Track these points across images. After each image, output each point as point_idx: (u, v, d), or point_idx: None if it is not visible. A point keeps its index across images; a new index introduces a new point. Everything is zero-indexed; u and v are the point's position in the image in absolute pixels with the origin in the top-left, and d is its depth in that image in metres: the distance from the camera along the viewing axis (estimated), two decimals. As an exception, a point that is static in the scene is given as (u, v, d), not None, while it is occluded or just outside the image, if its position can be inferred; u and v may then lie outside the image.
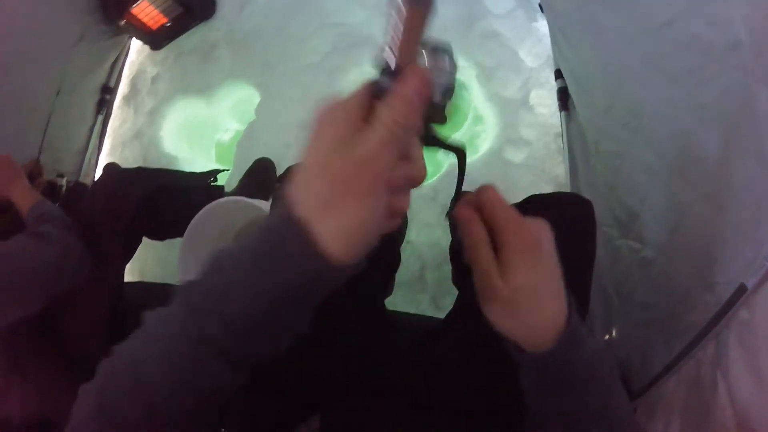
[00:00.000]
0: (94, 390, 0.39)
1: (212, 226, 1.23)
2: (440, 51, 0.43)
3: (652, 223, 1.03)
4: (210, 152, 1.99)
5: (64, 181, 1.50)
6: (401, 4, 0.37)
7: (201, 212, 1.18)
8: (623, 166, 1.17)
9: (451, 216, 0.48)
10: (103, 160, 1.99)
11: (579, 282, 0.68)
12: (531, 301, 0.43)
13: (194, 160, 1.92)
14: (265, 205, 1.17)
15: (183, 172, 1.61)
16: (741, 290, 0.68)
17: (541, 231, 0.45)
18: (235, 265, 0.36)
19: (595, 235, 0.75)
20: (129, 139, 1.96)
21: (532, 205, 0.82)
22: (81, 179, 1.90)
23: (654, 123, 1.02)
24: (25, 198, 1.11)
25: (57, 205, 1.44)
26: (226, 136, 2.02)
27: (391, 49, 0.40)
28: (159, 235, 1.36)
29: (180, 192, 1.33)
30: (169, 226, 1.32)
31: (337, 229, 0.33)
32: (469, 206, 0.46)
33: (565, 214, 0.76)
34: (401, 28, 0.38)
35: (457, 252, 1.25)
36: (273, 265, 0.35)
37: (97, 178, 1.92)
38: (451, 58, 0.44)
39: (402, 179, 0.37)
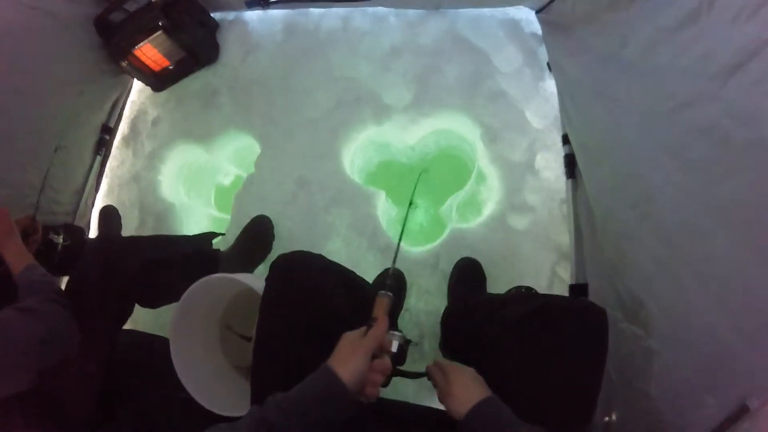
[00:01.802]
0: None
1: (203, 298, 1.21)
2: (395, 332, 0.84)
3: (657, 313, 0.99)
4: (209, 198, 1.97)
5: (60, 239, 1.47)
6: (379, 294, 0.89)
7: (193, 286, 1.16)
8: (630, 249, 1.12)
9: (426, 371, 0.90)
10: (99, 201, 1.97)
11: (588, 386, 0.81)
12: (462, 395, 0.78)
13: (192, 207, 1.89)
14: (248, 279, 1.16)
15: (178, 238, 1.60)
16: (743, 410, 0.67)
17: (464, 371, 0.84)
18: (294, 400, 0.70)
19: (607, 345, 0.82)
20: (126, 181, 1.93)
21: (546, 313, 0.86)
22: (77, 220, 1.87)
23: (664, 210, 0.98)
24: (17, 258, 1.10)
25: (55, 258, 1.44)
26: (226, 180, 2.00)
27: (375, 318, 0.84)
28: (152, 304, 1.33)
29: (175, 262, 1.32)
30: (163, 296, 1.31)
31: (349, 373, 0.71)
32: (435, 365, 0.88)
33: (579, 324, 0.83)
34: (380, 300, 0.88)
35: (448, 321, 1.24)
36: (318, 386, 0.71)
37: (93, 222, 1.90)
38: (401, 340, 0.84)
39: (378, 364, 0.76)
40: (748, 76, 0.71)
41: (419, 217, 1.80)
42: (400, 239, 1.00)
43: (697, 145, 0.84)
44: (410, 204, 1.07)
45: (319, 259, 1.00)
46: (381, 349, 0.80)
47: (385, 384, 0.79)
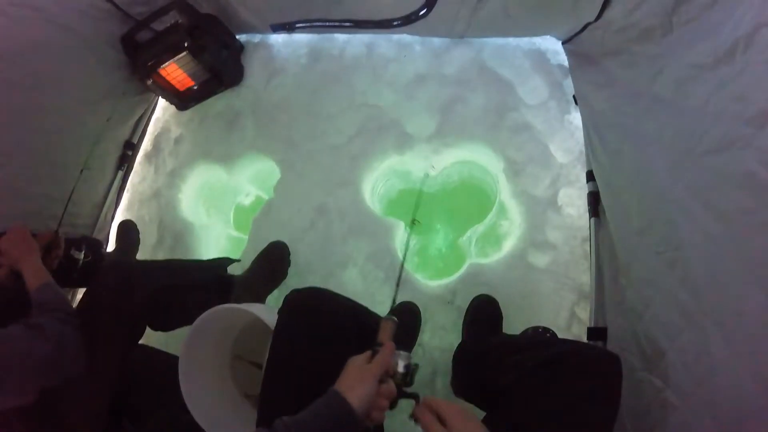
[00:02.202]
0: None
1: (214, 325, 1.22)
2: (402, 352, 0.84)
3: (679, 366, 0.95)
4: (228, 218, 1.97)
5: (81, 255, 1.48)
6: (384, 319, 0.90)
7: (204, 314, 1.16)
8: (654, 297, 1.09)
9: (414, 415, 0.78)
10: (119, 216, 1.99)
11: None
12: None
13: (211, 227, 1.90)
14: (260, 310, 1.16)
15: (193, 264, 1.61)
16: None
17: (465, 416, 0.74)
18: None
19: (620, 393, 0.82)
20: (147, 197, 1.95)
21: (561, 364, 0.85)
22: (95, 233, 1.89)
23: (693, 260, 0.94)
24: (34, 276, 1.12)
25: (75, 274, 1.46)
26: (246, 201, 2.01)
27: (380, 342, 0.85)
28: (164, 328, 1.34)
29: (188, 289, 1.33)
30: (175, 321, 1.32)
31: (356, 398, 0.72)
32: (425, 408, 0.76)
33: (593, 377, 0.83)
34: (385, 325, 0.89)
35: (460, 360, 1.22)
36: (327, 410, 0.72)
37: (111, 235, 1.92)
38: (406, 360, 0.84)
39: (385, 388, 0.77)
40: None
41: (438, 241, 1.78)
42: (403, 261, 1.05)
43: (730, 193, 0.81)
44: (413, 222, 1.11)
45: (333, 297, 1.01)
46: (386, 374, 0.80)
47: (392, 407, 0.80)
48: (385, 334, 0.87)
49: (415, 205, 1.14)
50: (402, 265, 1.03)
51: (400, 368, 0.82)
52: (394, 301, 0.98)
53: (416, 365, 0.86)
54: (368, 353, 0.81)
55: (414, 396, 0.83)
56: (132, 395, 1.18)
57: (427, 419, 0.73)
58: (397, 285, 1.00)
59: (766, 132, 0.73)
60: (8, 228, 1.21)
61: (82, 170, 1.59)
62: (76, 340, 1.03)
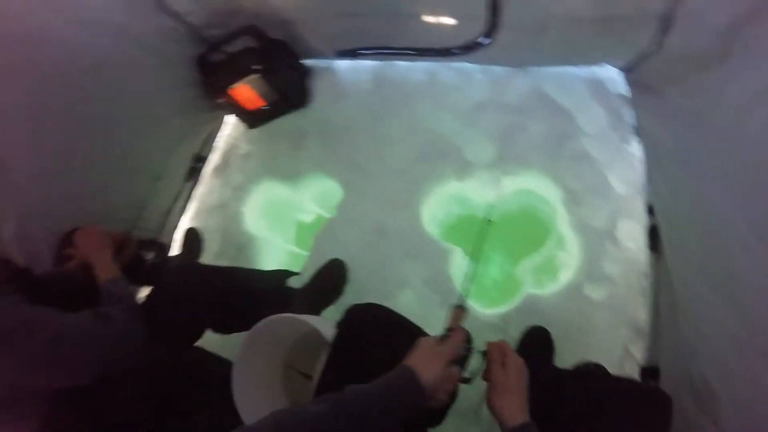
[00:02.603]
0: None
1: (270, 333, 1.26)
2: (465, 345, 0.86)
3: (730, 409, 0.94)
4: (289, 234, 2.06)
5: (150, 256, 1.58)
6: (454, 306, 0.93)
7: (261, 322, 1.20)
8: (711, 334, 1.07)
9: (487, 348, 0.89)
10: (186, 223, 2.10)
11: None
12: (508, 392, 0.81)
13: (272, 241, 1.99)
14: (316, 322, 1.19)
15: (256, 272, 1.67)
16: None
17: (522, 369, 0.85)
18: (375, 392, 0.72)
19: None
20: (213, 208, 2.06)
21: (611, 400, 0.90)
22: (162, 238, 2.01)
23: (753, 297, 0.92)
24: (104, 270, 1.17)
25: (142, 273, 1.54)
26: (307, 218, 2.09)
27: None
28: (226, 331, 1.39)
29: (250, 295, 1.37)
30: (237, 324, 1.37)
31: (427, 375, 0.74)
32: (497, 347, 0.87)
33: (642, 411, 0.85)
34: (455, 313, 0.91)
35: None
36: (397, 383, 0.74)
37: (174, 242, 2.03)
38: (469, 344, 0.87)
39: (451, 372, 0.78)
40: None
41: (493, 271, 1.80)
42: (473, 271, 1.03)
43: None
44: (474, 253, 1.09)
45: (390, 313, 1.04)
46: (453, 359, 0.82)
47: (453, 398, 0.85)
48: (455, 320, 0.90)
49: (477, 238, 1.11)
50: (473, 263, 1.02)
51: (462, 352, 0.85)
52: (465, 292, 0.96)
53: (479, 353, 0.89)
54: (438, 336, 0.84)
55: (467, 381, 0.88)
56: (181, 395, 1.21)
57: (495, 357, 0.85)
58: (470, 280, 0.99)
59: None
60: (83, 225, 1.28)
61: (157, 179, 1.68)
62: (139, 332, 1.06)
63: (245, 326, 1.24)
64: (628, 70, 1.75)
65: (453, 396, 0.84)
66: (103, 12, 1.55)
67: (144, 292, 1.59)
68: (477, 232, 1.09)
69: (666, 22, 1.35)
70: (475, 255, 1.06)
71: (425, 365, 0.75)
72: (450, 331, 0.86)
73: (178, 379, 1.21)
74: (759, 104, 0.94)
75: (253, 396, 1.20)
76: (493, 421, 0.81)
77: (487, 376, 0.86)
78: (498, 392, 0.81)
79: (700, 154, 1.22)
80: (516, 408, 0.79)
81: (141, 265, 1.56)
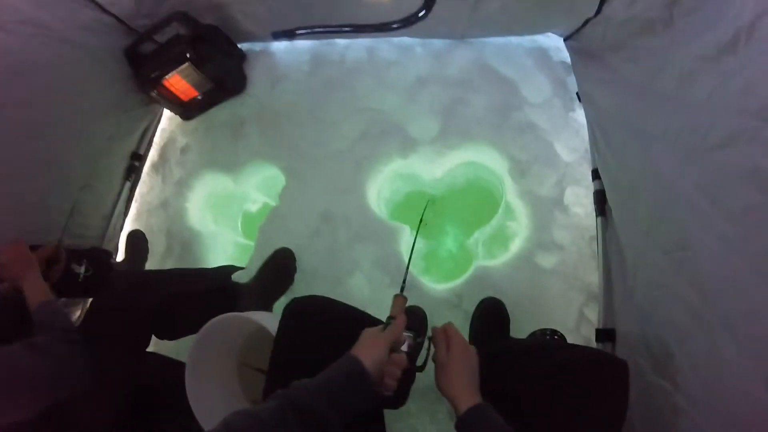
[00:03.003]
0: None
1: (220, 333, 1.24)
2: (408, 333, 0.90)
3: (688, 369, 0.92)
4: (235, 225, 1.98)
5: (82, 269, 1.49)
6: (396, 295, 0.96)
7: (209, 323, 1.18)
8: (663, 299, 1.06)
9: (432, 332, 0.94)
10: (128, 225, 2.00)
11: None
12: (453, 373, 0.84)
13: (219, 235, 1.91)
14: (264, 319, 1.17)
15: (199, 272, 1.61)
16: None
17: (467, 357, 0.88)
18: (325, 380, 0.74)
19: (627, 398, 0.84)
20: (155, 207, 1.97)
21: (570, 370, 0.88)
22: (105, 243, 1.90)
23: (702, 260, 0.91)
24: (34, 292, 1.12)
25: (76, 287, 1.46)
26: (253, 208, 2.02)
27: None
28: (170, 337, 1.35)
29: (194, 297, 1.33)
30: (181, 330, 1.33)
31: (370, 361, 0.76)
32: (441, 332, 0.91)
33: (601, 382, 0.86)
34: (396, 300, 0.95)
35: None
36: (342, 370, 0.75)
37: (120, 245, 1.94)
38: (415, 338, 0.91)
39: (396, 357, 0.82)
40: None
41: (448, 244, 1.77)
42: (409, 261, 1.07)
43: (738, 190, 0.78)
44: (419, 223, 1.17)
45: (331, 303, 1.04)
46: (398, 344, 0.86)
47: (402, 385, 0.84)
48: (397, 308, 0.94)
49: (421, 216, 1.18)
50: (408, 266, 1.05)
51: (404, 347, 0.88)
52: (403, 283, 0.99)
53: (420, 342, 0.95)
54: (381, 326, 0.87)
55: (420, 369, 0.93)
56: (144, 404, 1.19)
57: (439, 340, 0.90)
58: (407, 269, 1.03)
59: (771, 125, 0.70)
60: (7, 243, 1.20)
61: (82, 187, 1.60)
62: (75, 360, 1.02)
63: (192, 330, 1.20)
64: (569, 38, 1.73)
65: (411, 377, 0.88)
66: (26, 11, 1.44)
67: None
68: (419, 213, 1.15)
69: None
70: (415, 239, 1.11)
71: (368, 352, 0.78)
72: (392, 318, 0.89)
73: (139, 387, 1.20)
74: (702, 69, 0.93)
75: (209, 398, 1.19)
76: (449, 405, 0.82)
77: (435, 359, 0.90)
78: (443, 374, 0.85)
79: (645, 118, 1.20)
80: (464, 388, 0.82)
81: (75, 278, 1.47)
